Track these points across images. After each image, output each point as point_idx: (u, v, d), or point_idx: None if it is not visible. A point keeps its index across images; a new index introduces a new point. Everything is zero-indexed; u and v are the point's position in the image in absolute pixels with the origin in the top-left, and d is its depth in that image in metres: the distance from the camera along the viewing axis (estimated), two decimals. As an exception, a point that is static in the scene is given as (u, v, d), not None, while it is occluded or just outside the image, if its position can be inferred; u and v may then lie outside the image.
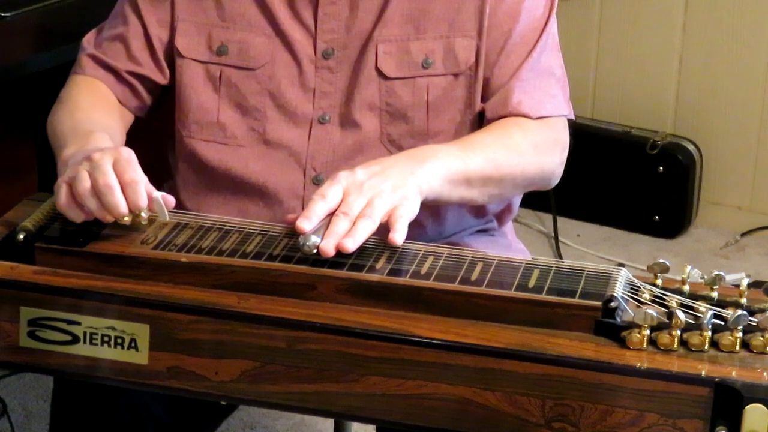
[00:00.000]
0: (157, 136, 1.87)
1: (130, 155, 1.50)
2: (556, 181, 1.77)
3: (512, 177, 1.68)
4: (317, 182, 1.72)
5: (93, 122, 1.69)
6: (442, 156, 1.60)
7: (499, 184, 1.67)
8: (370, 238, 1.48)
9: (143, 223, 1.51)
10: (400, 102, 1.72)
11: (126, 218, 1.49)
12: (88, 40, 1.84)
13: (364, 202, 1.49)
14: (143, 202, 1.48)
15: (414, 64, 1.72)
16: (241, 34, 1.75)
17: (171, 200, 1.52)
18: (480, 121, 1.74)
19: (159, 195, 1.50)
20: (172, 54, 1.79)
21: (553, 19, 1.76)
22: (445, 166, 1.59)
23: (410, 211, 1.51)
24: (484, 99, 1.73)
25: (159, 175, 1.82)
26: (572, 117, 1.78)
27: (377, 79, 1.72)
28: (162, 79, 1.80)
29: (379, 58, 1.72)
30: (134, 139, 1.76)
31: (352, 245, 1.44)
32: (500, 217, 1.85)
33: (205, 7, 1.76)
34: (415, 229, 1.53)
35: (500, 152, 1.66)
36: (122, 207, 1.47)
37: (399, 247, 1.47)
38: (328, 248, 1.44)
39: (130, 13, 1.80)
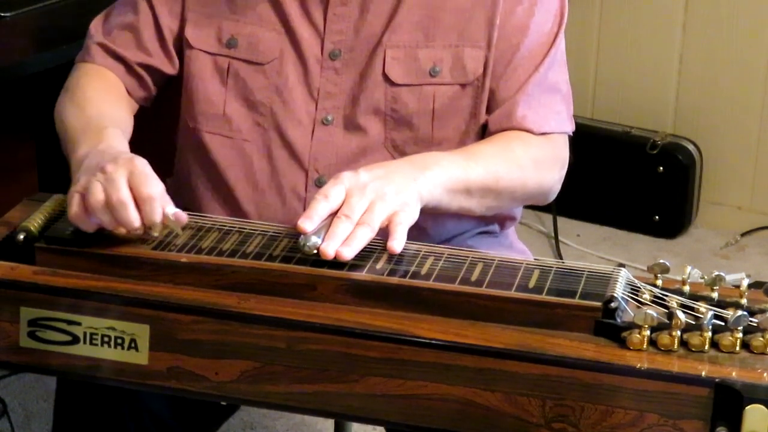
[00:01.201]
0: (161, 128, 1.86)
1: (144, 167, 1.48)
2: (553, 196, 1.78)
3: (511, 190, 1.68)
4: (320, 184, 1.71)
5: (104, 116, 1.68)
6: (445, 164, 1.60)
7: (498, 197, 1.67)
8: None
9: (154, 235, 1.49)
10: (405, 108, 1.72)
11: (138, 231, 1.47)
12: (96, 27, 1.82)
13: (366, 204, 1.49)
14: (158, 218, 1.46)
15: (421, 71, 1.71)
16: (251, 27, 1.74)
17: (183, 217, 1.50)
18: (484, 132, 1.74)
19: (171, 212, 1.48)
20: (181, 44, 1.78)
21: (562, 36, 1.75)
22: (447, 174, 1.59)
23: (410, 217, 1.51)
24: (488, 110, 1.73)
25: (162, 169, 1.82)
26: (571, 134, 1.78)
27: (384, 85, 1.71)
28: (171, 70, 1.80)
29: (386, 63, 1.71)
30: (138, 130, 1.75)
31: (349, 254, 1.44)
32: (502, 222, 1.85)
33: None
34: (417, 232, 1.53)
35: (501, 165, 1.66)
36: (136, 222, 1.45)
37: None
38: (329, 251, 1.43)
39: (141, 1, 1.79)
